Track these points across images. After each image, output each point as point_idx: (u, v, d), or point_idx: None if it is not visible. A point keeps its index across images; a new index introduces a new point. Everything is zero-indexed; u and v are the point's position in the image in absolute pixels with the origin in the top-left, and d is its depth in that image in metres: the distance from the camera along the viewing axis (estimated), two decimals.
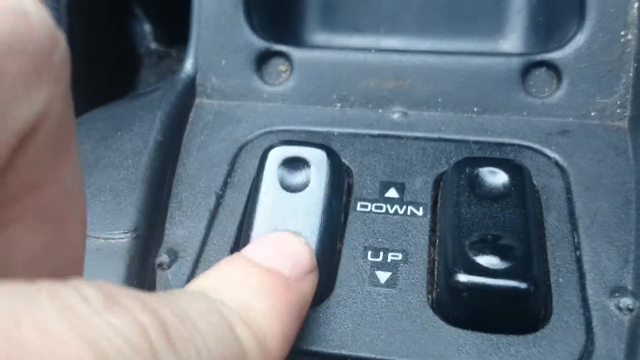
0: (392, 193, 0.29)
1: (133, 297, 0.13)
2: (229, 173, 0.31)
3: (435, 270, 0.26)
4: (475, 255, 0.24)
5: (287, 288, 0.20)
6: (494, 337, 0.23)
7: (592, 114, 0.31)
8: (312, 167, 0.27)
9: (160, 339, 0.13)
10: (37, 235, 0.16)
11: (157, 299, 0.14)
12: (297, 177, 0.27)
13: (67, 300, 0.12)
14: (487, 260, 0.23)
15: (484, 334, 0.23)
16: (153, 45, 0.55)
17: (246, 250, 0.22)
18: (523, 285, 0.23)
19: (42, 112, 0.15)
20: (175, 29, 0.48)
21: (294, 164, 0.27)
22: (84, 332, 0.12)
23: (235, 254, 0.22)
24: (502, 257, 0.23)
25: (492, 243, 0.24)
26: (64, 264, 0.17)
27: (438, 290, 0.25)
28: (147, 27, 0.56)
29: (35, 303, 0.11)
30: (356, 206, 0.28)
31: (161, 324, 0.14)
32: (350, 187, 0.29)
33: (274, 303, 0.19)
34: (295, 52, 0.34)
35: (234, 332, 0.17)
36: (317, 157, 0.27)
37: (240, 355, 0.17)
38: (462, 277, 0.23)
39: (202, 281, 0.20)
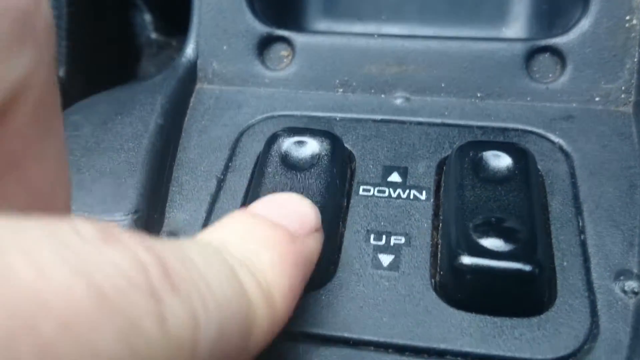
0: (394, 177, 0.28)
1: (132, 236, 0.13)
2: (230, 157, 0.30)
3: (439, 253, 0.25)
4: (479, 237, 0.23)
5: (293, 242, 0.20)
6: (497, 320, 0.23)
7: (597, 99, 0.30)
8: (315, 151, 0.27)
9: (160, 276, 0.13)
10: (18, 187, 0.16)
11: (159, 242, 0.14)
12: (302, 160, 0.27)
13: (60, 234, 0.11)
14: (491, 243, 0.23)
15: (487, 317, 0.23)
16: (153, 35, 0.55)
17: (252, 206, 0.21)
18: (527, 268, 0.22)
19: (24, 79, 0.14)
20: (176, 19, 0.48)
21: (299, 148, 0.27)
22: (77, 264, 0.11)
23: (241, 209, 0.21)
24: (506, 240, 0.23)
25: (496, 226, 0.24)
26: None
27: (441, 273, 0.24)
28: (147, 17, 0.55)
29: (25, 235, 0.11)
30: (359, 190, 0.28)
31: (161, 262, 0.13)
32: (352, 172, 0.29)
33: (279, 255, 0.19)
34: (297, 37, 0.34)
35: (239, 280, 0.16)
36: (321, 142, 0.27)
37: (244, 303, 0.16)
38: (466, 260, 0.23)
39: (206, 233, 0.20)
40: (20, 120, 0.14)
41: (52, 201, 0.17)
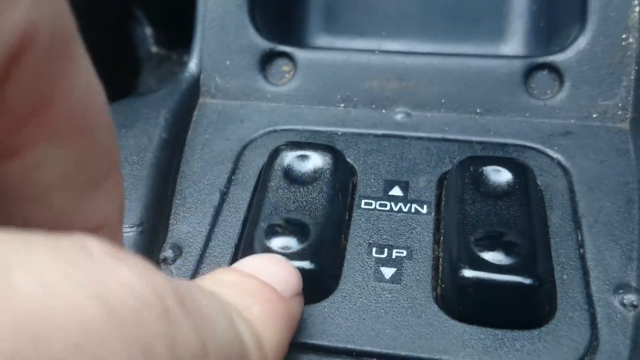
0: (396, 191, 0.29)
1: (142, 260, 0.13)
2: (233, 171, 0.31)
3: (440, 266, 0.26)
4: (480, 251, 0.24)
5: (281, 301, 0.20)
6: (499, 332, 0.23)
7: (594, 115, 0.31)
8: (318, 165, 0.28)
9: (174, 300, 0.13)
10: (61, 152, 0.15)
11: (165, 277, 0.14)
12: (305, 174, 0.27)
13: (68, 251, 0.11)
14: (492, 256, 0.23)
15: (489, 329, 0.24)
16: (154, 49, 0.56)
17: (239, 264, 0.22)
18: (528, 281, 0.23)
19: (36, 17, 0.13)
20: (176, 32, 0.49)
21: (302, 162, 0.28)
22: (87, 282, 0.11)
23: (229, 267, 0.22)
24: (507, 253, 0.23)
25: (497, 239, 0.24)
26: (98, 178, 0.17)
27: (443, 286, 0.25)
28: (147, 30, 0.56)
29: (32, 252, 0.11)
30: (360, 204, 0.28)
31: (174, 288, 0.13)
32: (354, 186, 0.29)
33: (269, 310, 0.20)
34: (299, 53, 0.34)
35: (236, 326, 0.17)
36: (323, 156, 0.28)
37: (241, 351, 0.16)
38: (468, 273, 0.23)
39: (199, 281, 0.20)
40: (36, 59, 0.14)
41: (91, 131, 0.16)
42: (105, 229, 0.18)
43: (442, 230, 0.27)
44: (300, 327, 0.24)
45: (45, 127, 0.15)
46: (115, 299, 0.11)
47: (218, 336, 0.14)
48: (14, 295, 0.10)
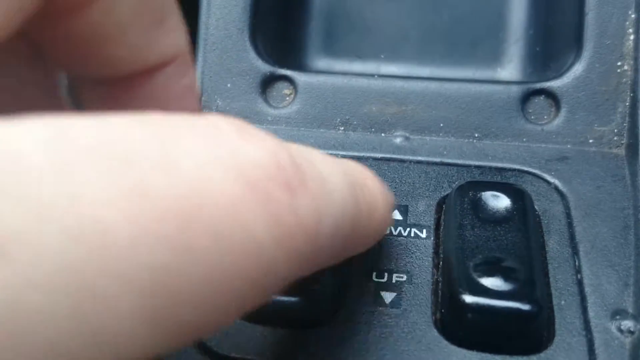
0: (395, 215, 0.29)
1: (266, 133, 0.14)
2: None
3: (439, 291, 0.26)
4: (480, 277, 0.24)
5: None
6: (498, 358, 0.24)
7: (590, 141, 0.31)
8: None
9: (293, 172, 0.14)
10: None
11: (287, 143, 0.15)
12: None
13: (203, 129, 0.13)
14: (491, 282, 0.24)
15: (488, 355, 0.24)
16: None
17: None
18: (527, 307, 0.23)
19: None
20: None
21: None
22: (225, 157, 0.12)
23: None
24: (506, 279, 0.24)
25: (496, 265, 0.24)
26: (163, 12, 0.19)
27: (442, 311, 0.25)
28: None
29: (179, 131, 0.12)
30: None
31: (293, 160, 0.14)
32: None
33: (381, 190, 0.21)
34: (299, 77, 0.35)
35: (353, 190, 0.18)
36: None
37: (355, 221, 0.18)
38: (468, 299, 0.23)
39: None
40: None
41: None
42: (179, 59, 0.20)
43: (442, 255, 0.27)
44: (299, 351, 0.24)
45: None
46: (249, 173, 0.13)
47: (334, 198, 0.16)
48: (176, 169, 0.11)
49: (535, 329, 0.24)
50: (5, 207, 0.09)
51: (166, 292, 0.10)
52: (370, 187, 0.20)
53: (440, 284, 0.26)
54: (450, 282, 0.25)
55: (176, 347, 0.11)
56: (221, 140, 0.13)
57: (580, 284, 0.26)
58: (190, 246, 0.11)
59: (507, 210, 0.27)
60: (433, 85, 0.34)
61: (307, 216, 0.14)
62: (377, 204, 0.20)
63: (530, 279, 0.24)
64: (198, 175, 0.11)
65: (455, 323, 0.24)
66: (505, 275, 0.24)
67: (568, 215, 0.28)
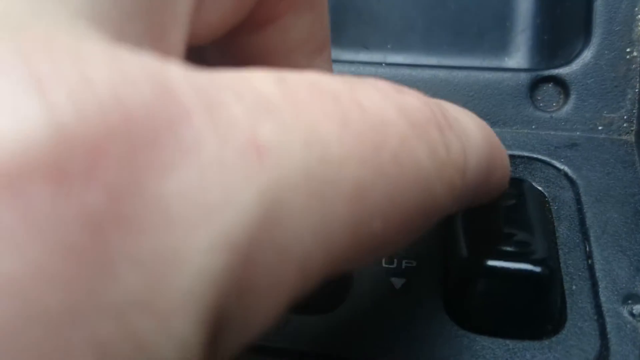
0: None
1: (413, 91, 0.16)
2: None
3: (449, 275, 0.26)
4: (488, 245, 0.24)
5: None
6: (509, 342, 0.24)
7: (600, 127, 0.31)
8: None
9: (442, 117, 0.16)
10: (301, 19, 0.20)
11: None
12: None
13: (372, 85, 0.15)
14: (499, 247, 0.24)
15: (499, 340, 0.24)
16: None
17: None
18: (538, 269, 0.23)
19: None
20: None
21: None
22: (393, 102, 0.14)
23: None
24: (516, 247, 0.24)
25: (505, 240, 0.24)
26: (322, 45, 0.22)
27: (452, 293, 0.25)
28: None
29: (354, 85, 0.14)
30: None
31: (440, 108, 0.16)
32: None
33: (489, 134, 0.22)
34: None
35: (487, 130, 0.20)
36: None
37: (489, 155, 0.19)
38: (476, 263, 0.24)
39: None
40: None
41: (319, 3, 0.21)
42: None
43: (450, 241, 0.27)
44: (309, 337, 0.24)
45: (292, 0, 0.20)
46: (411, 114, 0.15)
47: (471, 139, 0.18)
48: (363, 107, 0.13)
49: (547, 302, 0.24)
50: (263, 124, 0.11)
51: (363, 203, 0.13)
52: (494, 135, 0.22)
53: (450, 269, 0.26)
54: (459, 260, 0.25)
55: (363, 261, 0.14)
56: (385, 90, 0.15)
57: (591, 269, 0.26)
58: (380, 166, 0.13)
59: (511, 196, 0.27)
60: (441, 74, 0.34)
61: (455, 152, 0.16)
62: (502, 150, 0.22)
63: (540, 247, 0.24)
64: (379, 113, 0.14)
65: (465, 301, 0.24)
66: (515, 245, 0.24)
67: (578, 202, 0.28)
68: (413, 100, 0.15)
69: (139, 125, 0.09)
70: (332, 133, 0.12)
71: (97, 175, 0.09)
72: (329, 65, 0.23)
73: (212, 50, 0.21)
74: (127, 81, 0.09)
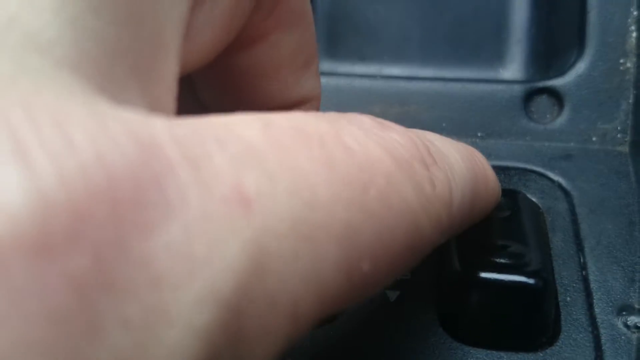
0: None
1: (397, 125, 0.16)
2: None
3: (444, 287, 0.26)
4: (483, 258, 0.24)
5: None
6: (504, 355, 0.23)
7: (594, 139, 0.31)
8: None
9: (426, 153, 0.16)
10: (289, 36, 0.21)
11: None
12: None
13: (354, 121, 0.15)
14: (494, 260, 0.24)
15: (494, 352, 0.24)
16: None
17: None
18: (532, 281, 0.23)
19: None
20: None
21: None
22: (379, 141, 0.15)
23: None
24: (509, 259, 0.24)
25: (500, 251, 0.24)
26: (310, 58, 0.22)
27: (447, 305, 0.25)
28: None
29: (338, 122, 0.14)
30: None
31: (425, 144, 0.17)
32: None
33: (487, 162, 0.23)
34: None
35: (472, 163, 0.20)
36: None
37: (475, 183, 0.20)
38: (471, 274, 0.24)
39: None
40: None
41: (305, 20, 0.21)
42: (310, 103, 0.23)
43: (445, 252, 0.27)
44: (304, 350, 0.24)
45: (281, 17, 0.20)
46: (396, 151, 0.15)
47: (456, 172, 0.18)
48: (349, 147, 0.14)
49: (541, 316, 0.24)
50: (247, 173, 0.11)
51: (352, 244, 0.13)
52: (480, 160, 0.22)
53: (444, 280, 0.26)
54: (453, 272, 0.25)
55: (354, 301, 0.14)
56: (369, 128, 0.15)
57: (585, 280, 0.26)
58: (368, 206, 0.13)
59: (505, 208, 0.27)
60: (435, 86, 0.34)
61: (441, 187, 0.16)
62: (488, 175, 0.22)
63: (534, 259, 0.24)
64: (364, 152, 0.14)
65: (459, 313, 0.24)
66: (509, 257, 0.24)
67: (572, 213, 0.28)
68: (397, 136, 0.15)
69: (122, 185, 0.09)
70: (319, 177, 0.12)
71: (80, 240, 0.09)
72: (317, 78, 0.23)
73: (200, 70, 0.21)
74: (109, 140, 0.09)
